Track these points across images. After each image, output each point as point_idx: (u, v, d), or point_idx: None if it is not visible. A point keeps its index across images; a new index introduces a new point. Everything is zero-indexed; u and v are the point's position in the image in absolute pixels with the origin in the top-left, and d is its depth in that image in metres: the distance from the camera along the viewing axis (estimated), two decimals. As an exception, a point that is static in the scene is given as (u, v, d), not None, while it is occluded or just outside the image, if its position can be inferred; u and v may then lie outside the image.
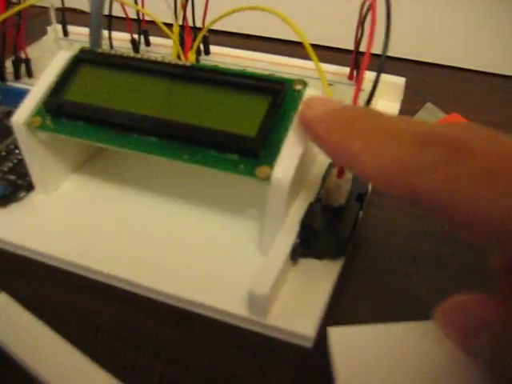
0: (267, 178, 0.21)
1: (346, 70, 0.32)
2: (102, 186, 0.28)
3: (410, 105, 0.32)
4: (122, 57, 0.25)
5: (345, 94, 0.31)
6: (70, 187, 0.28)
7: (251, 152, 0.21)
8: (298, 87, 0.23)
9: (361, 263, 0.24)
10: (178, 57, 0.31)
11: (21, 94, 0.30)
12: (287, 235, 0.22)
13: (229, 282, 0.23)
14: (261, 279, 0.21)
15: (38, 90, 0.25)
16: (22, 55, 0.33)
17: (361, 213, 0.25)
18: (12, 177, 0.27)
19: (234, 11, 0.27)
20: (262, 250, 0.24)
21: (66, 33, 0.37)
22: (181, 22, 0.31)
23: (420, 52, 0.39)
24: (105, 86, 0.25)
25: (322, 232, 0.22)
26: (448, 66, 0.39)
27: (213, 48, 0.35)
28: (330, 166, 0.24)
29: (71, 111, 0.24)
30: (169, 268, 0.23)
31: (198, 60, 0.34)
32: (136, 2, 0.33)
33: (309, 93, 0.23)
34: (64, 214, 0.26)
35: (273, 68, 0.33)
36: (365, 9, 0.28)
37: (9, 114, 0.31)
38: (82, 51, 0.26)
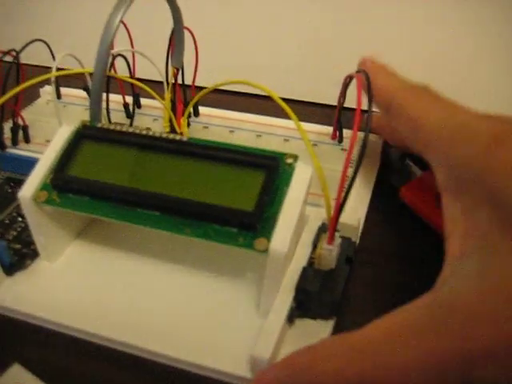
0: (265, 250, 0.23)
1: (329, 129, 0.35)
2: (104, 251, 0.29)
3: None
4: (121, 132, 0.27)
5: (329, 153, 0.33)
6: (73, 253, 0.29)
7: (250, 226, 0.23)
8: (289, 161, 0.25)
9: (351, 319, 0.26)
10: (171, 122, 0.33)
11: (19, 161, 0.32)
12: (284, 299, 0.24)
13: (230, 345, 0.24)
14: (261, 343, 0.22)
15: (42, 164, 0.27)
16: (19, 121, 0.34)
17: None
18: (17, 246, 0.28)
19: (223, 84, 0.29)
20: (260, 313, 0.25)
21: (58, 95, 0.39)
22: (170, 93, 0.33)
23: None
24: (107, 162, 0.26)
25: (316, 295, 0.24)
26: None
27: (201, 109, 0.37)
28: (320, 230, 0.26)
29: (76, 187, 0.26)
30: (173, 333, 0.25)
31: (188, 123, 0.36)
32: (128, 66, 0.35)
33: (300, 166, 0.25)
34: (69, 280, 0.28)
35: (260, 129, 0.35)
36: (347, 80, 0.31)
37: (9, 180, 0.32)
38: (84, 127, 0.27)
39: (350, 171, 0.30)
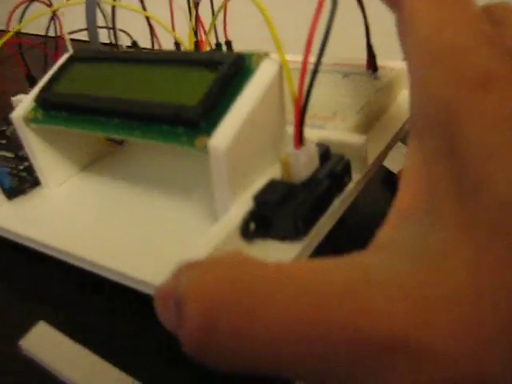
0: (204, 148, 0.20)
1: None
2: (104, 183, 0.28)
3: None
4: (103, 52, 0.27)
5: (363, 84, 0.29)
6: (74, 183, 0.29)
7: (191, 122, 0.21)
8: (257, 59, 0.22)
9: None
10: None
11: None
12: (238, 208, 0.21)
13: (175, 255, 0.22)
14: (193, 252, 0.20)
15: (37, 86, 0.27)
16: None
17: (343, 195, 0.23)
18: (24, 173, 0.29)
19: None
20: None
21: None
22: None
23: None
24: (84, 79, 0.26)
25: (275, 207, 0.21)
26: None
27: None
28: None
29: (56, 103, 0.25)
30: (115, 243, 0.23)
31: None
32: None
33: (266, 63, 0.22)
34: (61, 206, 0.27)
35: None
36: None
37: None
38: (78, 50, 0.27)
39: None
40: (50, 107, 0.26)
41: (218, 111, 0.21)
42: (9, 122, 0.34)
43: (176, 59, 0.23)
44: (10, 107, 0.36)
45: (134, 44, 0.38)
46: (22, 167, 0.30)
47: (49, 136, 0.27)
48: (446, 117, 0.15)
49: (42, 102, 0.26)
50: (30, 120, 0.26)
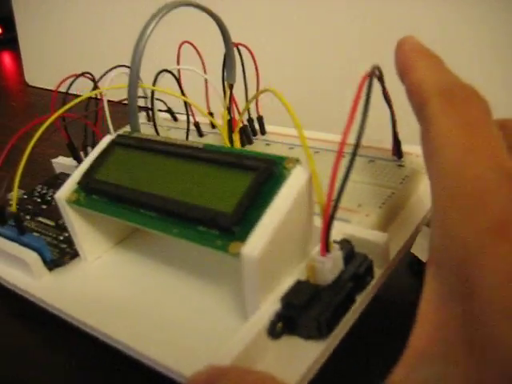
0: (237, 254, 0.21)
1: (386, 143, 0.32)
2: (138, 260, 0.30)
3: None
4: (147, 140, 0.28)
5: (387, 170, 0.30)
6: (110, 257, 0.31)
7: (226, 228, 0.22)
8: (289, 165, 0.23)
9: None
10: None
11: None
12: (266, 309, 0.22)
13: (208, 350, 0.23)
14: (227, 347, 0.21)
15: (80, 169, 0.29)
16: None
17: (365, 292, 0.24)
18: (64, 245, 0.31)
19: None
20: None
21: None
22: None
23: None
24: (128, 167, 0.28)
25: (301, 311, 0.22)
26: None
27: (268, 127, 0.37)
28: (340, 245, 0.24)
29: (99, 189, 0.27)
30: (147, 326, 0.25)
31: (251, 140, 0.36)
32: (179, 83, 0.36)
33: (297, 170, 0.23)
34: (97, 282, 0.29)
35: (317, 145, 0.34)
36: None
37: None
38: (119, 136, 0.29)
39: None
40: (92, 192, 0.28)
41: (251, 217, 0.22)
42: (50, 186, 0.36)
43: (214, 159, 0.25)
44: (51, 169, 0.38)
45: (169, 110, 0.40)
46: (62, 238, 0.31)
47: (89, 215, 0.29)
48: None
49: (84, 186, 0.28)
50: (72, 202, 0.28)
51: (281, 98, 0.25)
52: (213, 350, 0.22)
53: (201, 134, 0.38)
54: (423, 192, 0.30)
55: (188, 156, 0.26)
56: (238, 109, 0.35)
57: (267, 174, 0.23)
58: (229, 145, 0.35)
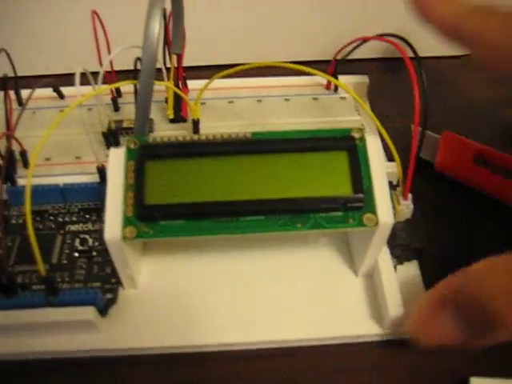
0: (376, 225, 0.25)
1: (321, 79, 0.36)
2: (173, 258, 0.29)
3: (381, 109, 0.36)
4: (181, 144, 0.26)
5: (329, 105, 0.35)
6: (146, 272, 0.29)
7: (358, 207, 0.25)
8: (358, 135, 0.27)
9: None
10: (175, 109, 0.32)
11: (37, 192, 0.29)
12: (386, 258, 0.27)
13: (350, 308, 0.27)
14: (393, 302, 0.26)
15: (113, 199, 0.25)
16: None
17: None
18: (97, 284, 0.27)
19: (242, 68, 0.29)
20: (360, 272, 0.28)
21: (20, 101, 0.34)
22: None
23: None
24: (181, 178, 0.25)
25: (408, 246, 0.28)
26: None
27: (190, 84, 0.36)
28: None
29: (167, 213, 0.25)
30: (286, 316, 0.27)
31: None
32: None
33: (369, 138, 0.26)
34: (159, 300, 0.28)
35: (258, 93, 0.35)
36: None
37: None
38: (142, 147, 0.26)
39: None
40: (156, 219, 0.25)
41: (365, 189, 0.25)
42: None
43: (284, 148, 0.26)
44: None
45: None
46: (81, 278, 0.27)
47: (137, 243, 0.26)
48: None
49: (142, 216, 0.25)
50: (134, 237, 0.25)
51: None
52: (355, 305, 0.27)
53: (117, 109, 0.34)
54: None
55: (249, 150, 0.26)
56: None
57: (355, 149, 0.26)
58: (172, 115, 0.33)
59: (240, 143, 0.26)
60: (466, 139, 0.34)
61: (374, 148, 0.26)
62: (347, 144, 0.26)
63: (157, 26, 0.25)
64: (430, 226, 0.31)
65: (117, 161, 0.26)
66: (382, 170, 0.26)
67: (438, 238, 0.31)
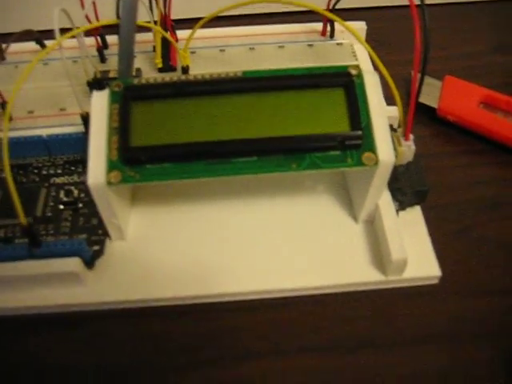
0: (376, 164, 0.23)
1: (317, 26, 0.34)
2: (163, 209, 0.28)
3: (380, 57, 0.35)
4: (168, 84, 0.24)
5: (325, 51, 0.33)
6: (136, 223, 0.27)
7: (356, 145, 0.24)
8: (355, 72, 0.25)
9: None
10: (164, 57, 0.30)
11: (19, 144, 0.28)
12: (387, 202, 0.26)
13: (351, 256, 0.26)
14: (395, 246, 0.24)
15: (96, 143, 0.24)
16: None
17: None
18: (83, 235, 0.26)
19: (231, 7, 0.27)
20: (361, 218, 0.27)
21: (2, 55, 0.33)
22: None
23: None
24: (169, 119, 0.24)
25: (409, 190, 0.26)
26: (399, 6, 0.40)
27: (179, 33, 0.34)
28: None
29: (153, 155, 0.23)
30: (284, 265, 0.26)
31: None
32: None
33: (367, 74, 0.25)
34: (149, 252, 0.26)
35: (250, 41, 0.34)
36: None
37: (13, 169, 0.28)
38: (126, 88, 0.24)
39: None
40: (143, 162, 0.23)
41: (364, 127, 0.24)
42: None
43: (281, 85, 0.24)
44: None
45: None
46: (67, 230, 0.26)
47: (124, 190, 0.25)
48: None
49: (128, 159, 0.23)
50: (118, 182, 0.23)
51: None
52: (357, 251, 0.25)
53: (103, 60, 0.33)
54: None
55: (241, 89, 0.24)
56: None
57: (352, 86, 0.24)
58: (161, 63, 0.32)
59: (231, 82, 0.25)
60: (470, 83, 0.33)
61: (373, 85, 0.25)
62: (344, 80, 0.24)
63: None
64: (433, 171, 0.29)
65: (100, 104, 0.24)
66: (381, 107, 0.24)
67: (438, 184, 0.29)
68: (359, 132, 0.23)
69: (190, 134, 0.24)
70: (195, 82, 0.25)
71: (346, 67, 0.25)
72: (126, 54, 0.25)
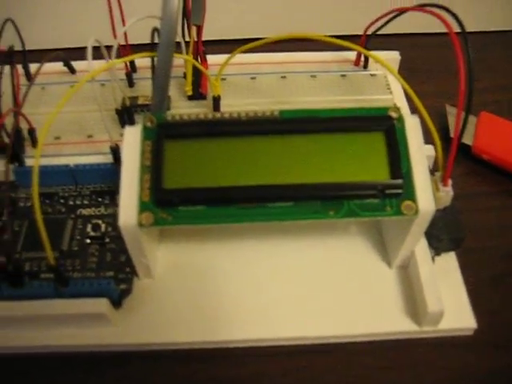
0: (416, 213, 0.23)
1: (350, 54, 0.33)
2: (189, 247, 0.27)
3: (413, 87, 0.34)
4: (203, 122, 0.24)
5: (359, 82, 0.33)
6: (163, 262, 0.27)
7: (397, 194, 0.23)
8: (395, 114, 0.24)
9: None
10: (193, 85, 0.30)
11: (46, 173, 0.27)
12: (423, 250, 0.25)
13: (384, 303, 0.25)
14: (432, 298, 0.24)
15: (128, 182, 0.23)
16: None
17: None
18: (110, 273, 0.25)
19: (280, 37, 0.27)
20: (395, 264, 0.26)
21: (28, 76, 0.32)
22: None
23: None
24: (203, 160, 0.23)
25: (446, 237, 0.25)
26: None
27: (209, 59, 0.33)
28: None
29: (187, 198, 0.23)
30: (313, 312, 0.25)
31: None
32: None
33: (407, 118, 0.24)
34: (177, 293, 0.26)
35: (281, 69, 0.33)
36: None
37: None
38: (159, 125, 0.24)
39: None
40: (175, 205, 0.23)
41: (404, 174, 0.23)
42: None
43: (316, 128, 0.24)
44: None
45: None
46: (93, 266, 0.25)
47: (154, 230, 0.24)
48: None
49: (166, 201, 0.23)
50: (151, 224, 0.23)
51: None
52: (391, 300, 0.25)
53: (132, 85, 0.32)
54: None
55: (277, 130, 0.24)
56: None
57: (393, 130, 0.24)
58: (191, 91, 0.31)
59: (267, 122, 0.24)
60: (506, 120, 0.32)
61: (413, 129, 0.24)
62: (384, 124, 0.24)
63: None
64: (466, 213, 0.29)
65: (132, 140, 0.23)
66: (421, 153, 0.24)
67: (472, 227, 0.28)
68: (400, 181, 0.23)
69: (224, 177, 0.23)
70: (230, 121, 0.24)
71: (386, 109, 0.24)
72: (161, 89, 0.24)
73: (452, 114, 0.32)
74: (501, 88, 0.37)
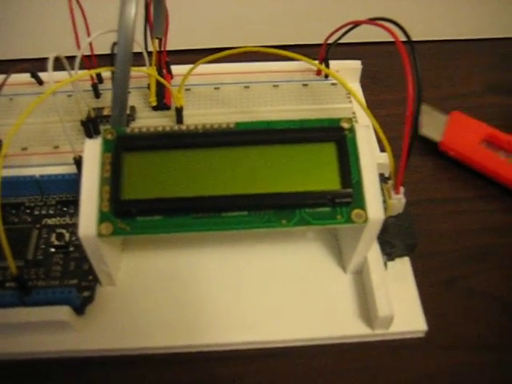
0: (366, 221, 0.24)
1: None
2: (153, 255, 0.28)
3: (375, 96, 0.35)
4: (161, 135, 0.25)
5: (320, 91, 0.33)
6: (126, 269, 0.27)
7: (347, 203, 0.24)
8: (346, 125, 0.25)
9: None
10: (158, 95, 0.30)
11: (11, 183, 0.28)
12: (376, 255, 0.26)
13: (339, 307, 0.26)
14: (382, 303, 0.25)
15: (88, 193, 0.24)
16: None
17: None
18: (73, 281, 0.26)
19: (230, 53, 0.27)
20: (349, 269, 0.27)
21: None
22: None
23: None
24: (161, 171, 0.24)
25: (399, 243, 0.26)
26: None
27: (174, 69, 0.34)
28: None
29: (144, 208, 0.23)
30: (270, 316, 0.26)
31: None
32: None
33: (359, 128, 0.25)
34: (139, 299, 0.26)
35: (245, 79, 0.34)
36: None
37: (4, 207, 0.28)
38: (118, 138, 0.24)
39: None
40: (134, 215, 0.23)
41: (354, 183, 0.24)
42: None
43: (269, 139, 0.25)
44: None
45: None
46: (58, 274, 0.26)
47: (115, 239, 0.25)
48: None
49: (124, 211, 0.23)
50: (110, 234, 0.23)
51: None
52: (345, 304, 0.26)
53: (98, 95, 0.33)
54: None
55: (232, 142, 0.25)
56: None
57: (344, 141, 0.25)
58: (155, 102, 0.32)
59: (223, 134, 0.25)
60: (476, 120, 0.33)
61: (365, 139, 0.25)
62: (336, 135, 0.25)
63: (133, 8, 0.23)
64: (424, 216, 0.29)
65: (92, 153, 0.24)
66: (372, 163, 0.25)
67: (431, 232, 0.29)
68: (350, 190, 0.24)
69: (180, 188, 0.24)
70: (188, 133, 0.25)
71: (338, 120, 0.25)
72: (120, 102, 0.25)
73: (426, 112, 0.34)
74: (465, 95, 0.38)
